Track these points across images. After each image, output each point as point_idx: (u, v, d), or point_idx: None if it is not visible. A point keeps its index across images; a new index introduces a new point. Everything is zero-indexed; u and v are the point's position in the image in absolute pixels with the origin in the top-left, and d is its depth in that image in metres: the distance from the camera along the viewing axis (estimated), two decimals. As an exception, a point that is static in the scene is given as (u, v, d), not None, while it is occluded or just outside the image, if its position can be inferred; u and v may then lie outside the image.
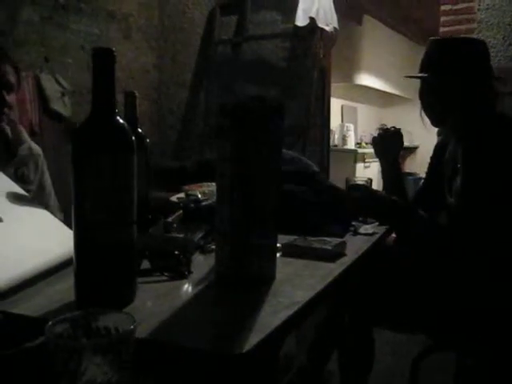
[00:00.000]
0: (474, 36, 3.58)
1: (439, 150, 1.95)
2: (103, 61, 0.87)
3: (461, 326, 1.65)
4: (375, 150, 2.11)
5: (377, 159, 2.12)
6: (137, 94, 1.50)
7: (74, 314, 0.63)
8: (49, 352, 0.58)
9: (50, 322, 0.59)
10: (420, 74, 1.79)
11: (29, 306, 0.91)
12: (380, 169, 2.13)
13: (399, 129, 2.07)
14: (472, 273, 1.61)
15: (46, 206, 1.79)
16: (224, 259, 1.09)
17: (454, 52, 1.75)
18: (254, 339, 0.78)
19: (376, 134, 2.09)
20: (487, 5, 3.66)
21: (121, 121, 0.90)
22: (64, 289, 0.97)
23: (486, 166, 1.59)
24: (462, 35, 3.57)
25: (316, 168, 1.89)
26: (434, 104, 1.78)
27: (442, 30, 3.88)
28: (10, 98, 1.78)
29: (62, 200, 1.99)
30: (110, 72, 0.87)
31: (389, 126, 2.07)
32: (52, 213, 1.83)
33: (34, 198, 1.68)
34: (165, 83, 4.59)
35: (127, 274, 0.93)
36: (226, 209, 1.09)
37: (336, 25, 4.05)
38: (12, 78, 1.78)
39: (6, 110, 1.77)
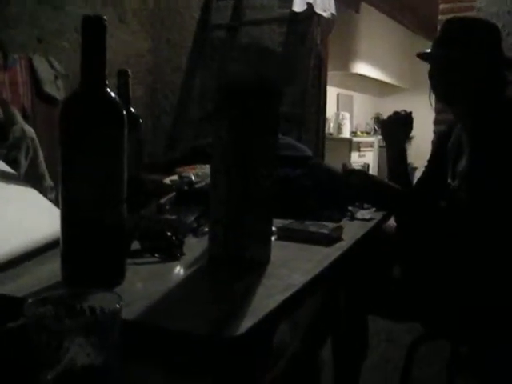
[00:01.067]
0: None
1: (443, 138, 1.92)
2: (93, 30, 0.83)
3: (455, 314, 1.64)
4: (383, 133, 2.06)
5: (372, 148, 2.08)
6: (130, 74, 1.46)
7: (55, 293, 0.60)
8: (29, 332, 0.54)
9: (29, 301, 0.55)
10: (440, 50, 1.72)
11: (14, 286, 0.88)
12: (379, 153, 2.07)
13: (410, 112, 1.99)
14: (470, 260, 1.59)
15: (38, 187, 1.76)
16: (218, 242, 1.06)
17: (477, 30, 1.69)
18: (247, 323, 0.75)
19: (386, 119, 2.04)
20: (487, -8, 3.62)
21: (111, 94, 0.86)
22: (52, 269, 0.94)
23: (493, 149, 1.56)
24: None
25: (310, 153, 1.86)
26: (455, 81, 1.69)
27: (440, 17, 3.84)
28: None
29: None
30: (100, 42, 0.83)
31: (399, 110, 2.00)
32: (44, 193, 1.81)
33: (26, 179, 1.65)
34: (160, 67, 4.54)
35: (115, 254, 0.89)
36: (221, 191, 1.06)
37: (334, 11, 4.01)
38: None
39: None
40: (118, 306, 0.57)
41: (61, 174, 0.87)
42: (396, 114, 1.97)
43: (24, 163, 1.85)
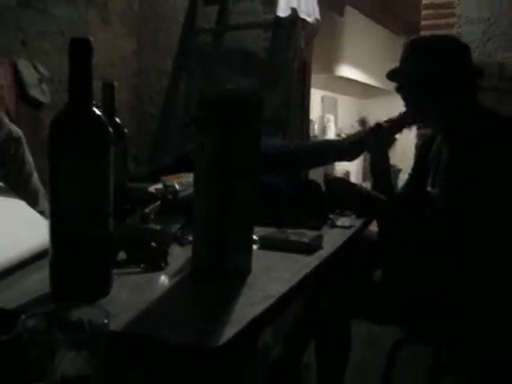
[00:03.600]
0: (454, 31, 3.61)
1: (425, 147, 1.98)
2: (80, 51, 0.86)
3: (435, 319, 1.68)
4: (366, 145, 2.12)
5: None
6: (115, 84, 1.49)
7: (47, 308, 0.63)
8: (22, 346, 0.57)
9: (23, 316, 0.58)
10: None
11: (3, 298, 0.91)
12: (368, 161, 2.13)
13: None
14: (451, 265, 1.64)
15: (25, 187, 1.79)
16: (200, 252, 1.09)
17: (434, 46, 1.79)
18: (229, 332, 0.79)
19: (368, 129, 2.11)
20: (467, -1, 3.68)
21: (98, 113, 0.89)
22: (39, 280, 0.97)
23: (469, 162, 1.62)
24: (441, 32, 3.59)
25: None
26: (405, 99, 1.86)
27: (423, 23, 3.90)
28: None
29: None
30: (87, 63, 0.86)
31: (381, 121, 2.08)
32: (34, 194, 1.83)
33: (13, 181, 1.67)
34: (145, 70, 4.54)
35: (103, 266, 0.93)
36: (202, 201, 1.09)
37: (318, 16, 4.05)
38: None
39: None
40: (105, 320, 0.60)
41: (49, 188, 0.90)
42: (378, 125, 2.03)
43: (12, 165, 1.86)
